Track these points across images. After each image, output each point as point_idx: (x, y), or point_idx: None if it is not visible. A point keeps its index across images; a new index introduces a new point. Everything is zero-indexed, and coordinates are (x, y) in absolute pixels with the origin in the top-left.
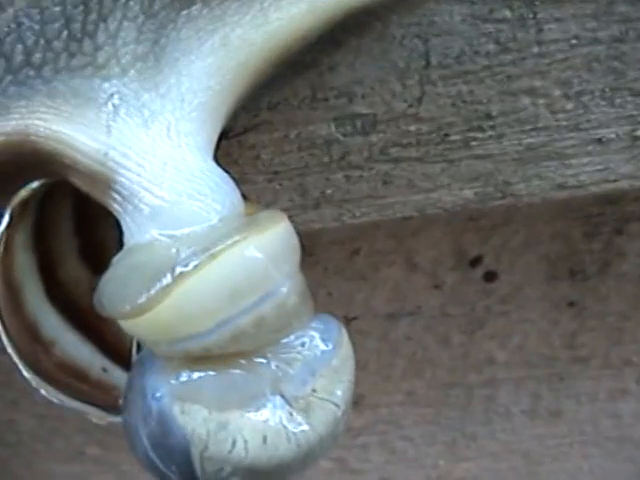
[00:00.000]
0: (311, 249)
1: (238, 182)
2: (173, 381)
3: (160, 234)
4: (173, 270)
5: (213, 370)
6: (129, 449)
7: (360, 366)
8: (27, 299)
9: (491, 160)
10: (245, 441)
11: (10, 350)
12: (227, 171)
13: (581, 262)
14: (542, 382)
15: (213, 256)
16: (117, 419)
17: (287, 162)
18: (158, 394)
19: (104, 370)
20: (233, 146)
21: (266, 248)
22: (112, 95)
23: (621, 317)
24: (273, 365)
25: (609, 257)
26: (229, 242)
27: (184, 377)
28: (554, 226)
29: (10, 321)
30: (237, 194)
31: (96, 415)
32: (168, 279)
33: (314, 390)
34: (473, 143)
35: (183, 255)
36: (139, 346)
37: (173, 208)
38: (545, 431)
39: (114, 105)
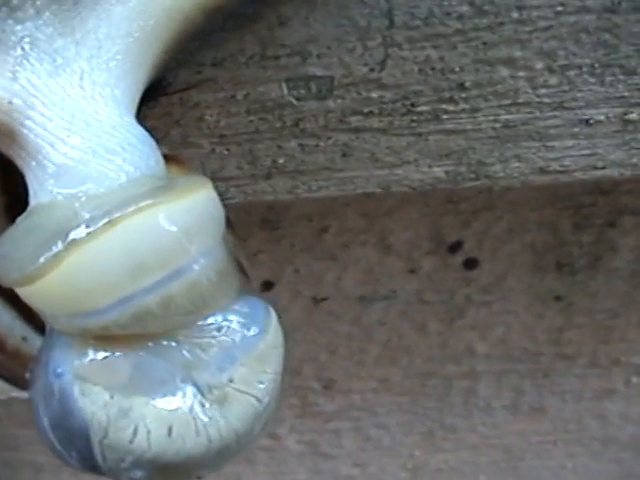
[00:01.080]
0: (277, 223)
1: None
2: (77, 360)
3: (60, 194)
4: (66, 236)
5: (119, 350)
6: (34, 425)
7: (330, 349)
8: None
9: (464, 136)
10: (148, 431)
11: None
12: (152, 132)
13: (569, 255)
14: (525, 377)
15: (112, 223)
16: (22, 394)
17: (235, 126)
18: (59, 370)
19: (24, 339)
20: (174, 104)
21: (179, 218)
22: (23, 38)
23: (610, 314)
24: (185, 350)
25: (600, 251)
26: (133, 208)
27: (89, 356)
28: (541, 214)
29: None
30: (156, 156)
31: (1, 389)
32: (59, 246)
33: (231, 380)
34: (444, 116)
35: (80, 220)
36: None
37: (77, 166)
38: (527, 427)
39: (23, 49)
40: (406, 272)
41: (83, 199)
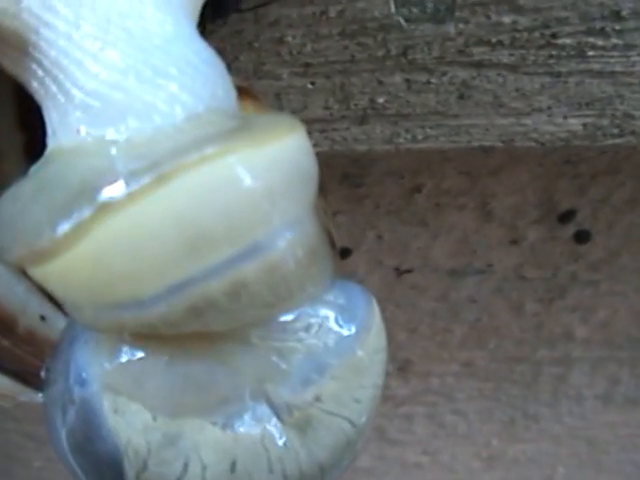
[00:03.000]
0: (360, 178)
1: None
2: (108, 363)
3: (89, 134)
4: (96, 196)
5: (166, 353)
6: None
7: (410, 328)
8: None
9: (612, 80)
10: (203, 466)
11: None
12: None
13: None
14: (624, 366)
15: (163, 179)
16: (33, 399)
17: (324, 52)
18: (84, 375)
19: (42, 318)
20: (247, 21)
21: (261, 171)
22: None
23: None
24: (259, 356)
25: None
26: (195, 156)
27: (125, 359)
28: None
29: None
30: (227, 84)
31: (5, 390)
32: (85, 211)
33: (318, 398)
34: (590, 53)
35: (117, 173)
36: None
37: (114, 94)
38: (618, 419)
39: None
40: (506, 243)
41: (122, 143)
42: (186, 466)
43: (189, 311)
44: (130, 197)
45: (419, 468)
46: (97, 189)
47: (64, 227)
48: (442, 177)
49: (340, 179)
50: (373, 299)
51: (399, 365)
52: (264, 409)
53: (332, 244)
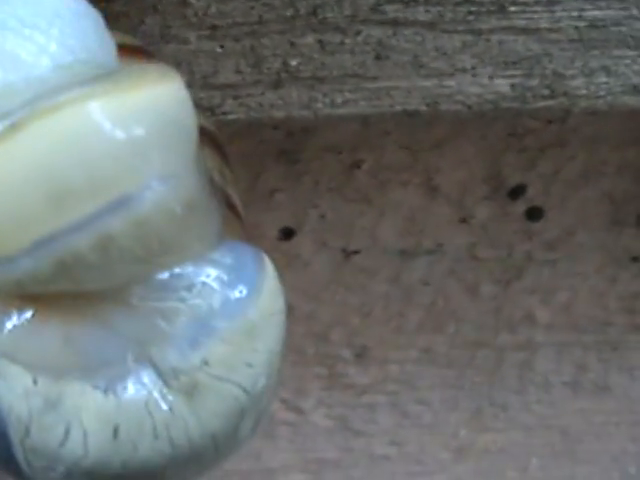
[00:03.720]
0: (297, 154)
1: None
2: None
3: None
4: None
5: (45, 316)
6: None
7: (363, 312)
8: None
9: (537, 37)
10: (84, 432)
11: None
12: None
13: None
14: (590, 350)
15: (17, 126)
16: None
17: (230, 13)
18: None
19: None
20: None
21: (122, 120)
22: None
23: None
24: (140, 317)
25: None
26: (50, 103)
27: (7, 322)
28: (624, 156)
29: None
30: (101, 36)
31: None
32: None
33: (206, 362)
34: (511, 8)
35: None
36: None
37: None
38: (589, 406)
39: None
40: (456, 221)
41: None
42: (67, 432)
43: (57, 267)
44: None
45: (387, 460)
46: None
47: None
48: (382, 151)
49: (276, 156)
50: (266, 258)
51: (356, 352)
52: (149, 373)
53: (228, 203)
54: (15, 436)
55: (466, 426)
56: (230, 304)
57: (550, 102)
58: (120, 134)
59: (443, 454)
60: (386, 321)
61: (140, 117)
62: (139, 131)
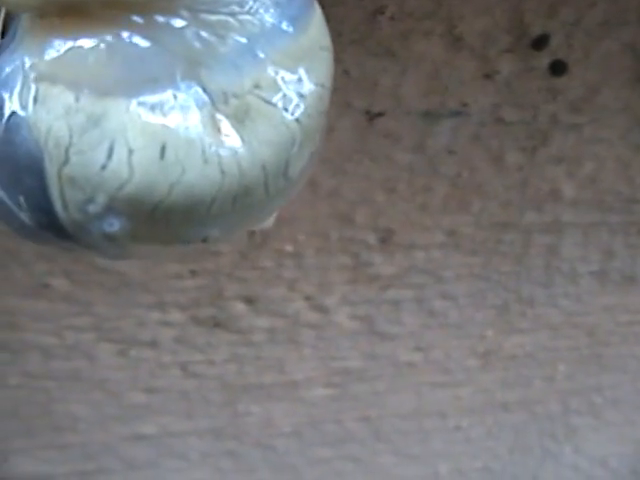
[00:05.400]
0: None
1: None
2: (33, 58)
3: None
4: None
5: (91, 31)
6: None
7: (388, 187)
8: None
9: None
10: (130, 150)
11: None
12: None
13: None
14: (617, 234)
15: None
16: None
17: None
18: (3, 74)
19: None
20: None
21: None
22: None
23: None
24: (189, 32)
25: None
26: None
27: (49, 46)
28: None
29: None
30: None
31: None
32: None
33: (257, 85)
34: None
35: None
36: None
37: None
38: (615, 302)
39: None
40: (480, 77)
41: None
42: (111, 150)
43: None
44: None
45: (412, 368)
46: None
47: None
48: None
49: None
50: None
51: (381, 236)
52: (198, 94)
53: None
54: (51, 167)
55: (492, 326)
56: (282, 27)
57: None
58: None
59: (469, 361)
60: (411, 197)
61: None
62: None
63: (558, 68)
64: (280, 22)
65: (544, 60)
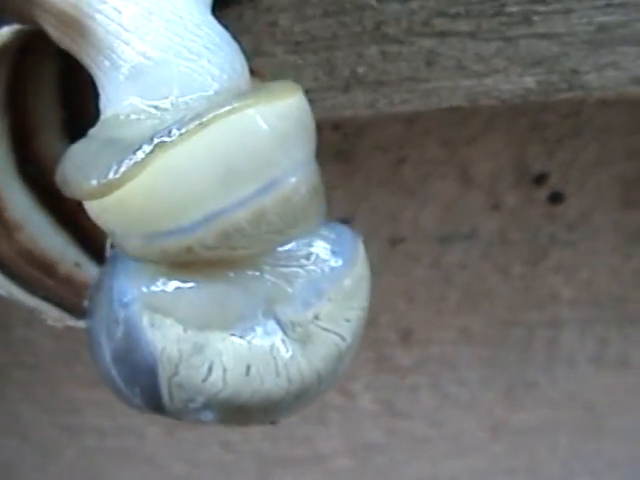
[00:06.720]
0: (350, 154)
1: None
2: (146, 287)
3: (142, 102)
4: (151, 140)
5: (195, 280)
6: (92, 361)
7: (408, 297)
8: None
9: (557, 41)
10: (224, 369)
11: None
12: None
13: None
14: (611, 326)
15: (204, 124)
16: (78, 324)
17: (311, 31)
18: (126, 299)
19: (77, 265)
20: (246, 8)
21: (275, 121)
22: None
23: None
24: (269, 280)
25: None
26: (228, 107)
27: (160, 284)
28: (631, 142)
29: None
30: (242, 60)
31: (53, 316)
32: (144, 150)
33: (316, 317)
34: (535, 18)
35: (169, 124)
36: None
37: (158, 68)
38: (612, 381)
39: None
40: (488, 209)
41: (169, 106)
42: (210, 369)
43: (220, 235)
44: (180, 137)
45: (428, 442)
46: (154, 135)
47: (128, 162)
48: (423, 148)
49: (333, 155)
50: (358, 235)
51: (401, 334)
52: (273, 325)
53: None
54: (163, 374)
55: (500, 405)
56: (336, 270)
57: (569, 94)
58: (271, 132)
59: (479, 434)
60: (428, 305)
61: (283, 120)
62: (284, 130)
63: (556, 198)
64: (335, 264)
65: (544, 193)
